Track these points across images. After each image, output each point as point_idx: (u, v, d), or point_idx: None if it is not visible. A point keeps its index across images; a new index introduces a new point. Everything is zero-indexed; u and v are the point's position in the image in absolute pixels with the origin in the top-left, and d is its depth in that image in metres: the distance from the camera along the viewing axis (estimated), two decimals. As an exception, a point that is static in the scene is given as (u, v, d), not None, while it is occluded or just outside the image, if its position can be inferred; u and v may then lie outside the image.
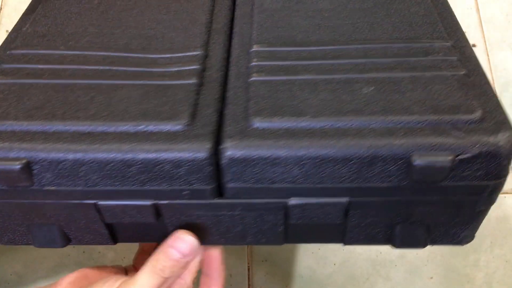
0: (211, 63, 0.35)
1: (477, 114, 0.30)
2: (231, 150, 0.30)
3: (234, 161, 0.30)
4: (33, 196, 0.32)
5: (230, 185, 0.31)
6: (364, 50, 0.34)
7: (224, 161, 0.30)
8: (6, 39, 0.39)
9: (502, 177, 0.30)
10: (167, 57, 0.35)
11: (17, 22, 0.41)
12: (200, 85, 0.33)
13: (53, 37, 0.37)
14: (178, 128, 0.31)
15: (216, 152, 0.30)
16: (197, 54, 0.35)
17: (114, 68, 0.34)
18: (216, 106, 0.32)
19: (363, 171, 0.29)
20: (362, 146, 0.29)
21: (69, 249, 0.59)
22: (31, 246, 0.37)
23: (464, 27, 0.78)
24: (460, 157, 0.28)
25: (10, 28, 0.76)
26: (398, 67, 0.33)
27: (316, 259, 0.63)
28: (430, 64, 0.33)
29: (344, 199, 0.31)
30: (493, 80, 0.75)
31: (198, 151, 0.30)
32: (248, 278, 0.62)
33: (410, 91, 0.31)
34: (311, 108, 0.30)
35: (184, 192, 0.31)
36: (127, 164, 0.30)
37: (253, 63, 0.34)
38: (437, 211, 0.31)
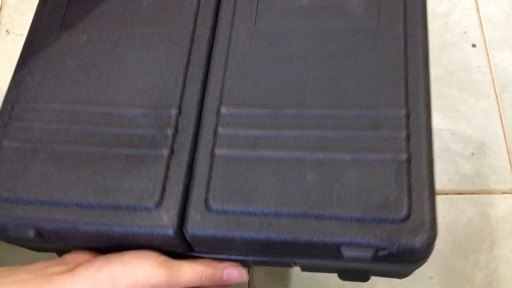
0: (183, 124, 0.39)
1: (403, 213, 0.33)
2: (192, 230, 0.36)
3: (196, 238, 0.36)
4: (48, 245, 0.41)
5: (196, 248, 0.38)
6: (321, 119, 0.37)
7: (187, 237, 0.36)
8: (10, 90, 0.43)
9: (421, 262, 0.35)
10: (145, 114, 0.39)
11: (17, 69, 0.44)
12: (171, 154, 0.38)
13: (48, 89, 0.42)
14: (150, 207, 0.36)
15: (181, 230, 0.36)
16: (172, 114, 0.39)
17: (99, 130, 0.39)
18: (183, 182, 0.37)
19: (302, 251, 0.35)
20: (299, 236, 0.34)
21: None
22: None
23: (464, 27, 0.78)
24: (380, 253, 0.32)
25: (10, 28, 0.77)
26: (345, 146, 0.36)
27: (316, 259, 0.63)
28: (375, 144, 0.35)
29: (291, 261, 0.38)
30: (493, 80, 0.75)
31: (167, 228, 0.36)
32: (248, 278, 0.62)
33: (349, 180, 0.34)
34: (260, 196, 0.35)
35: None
36: (107, 234, 0.36)
37: (219, 131, 0.38)
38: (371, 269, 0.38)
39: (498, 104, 0.74)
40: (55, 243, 0.40)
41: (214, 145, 0.38)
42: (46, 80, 0.42)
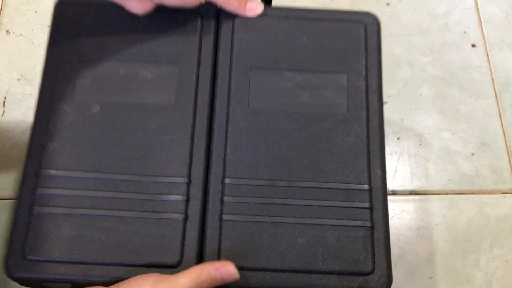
0: (193, 191, 0.45)
1: (369, 268, 0.44)
2: None
3: None
4: None
5: None
6: (306, 190, 0.46)
7: None
8: (30, 155, 0.46)
9: None
10: (160, 183, 0.45)
11: (34, 134, 0.48)
12: (186, 219, 0.44)
13: (71, 156, 0.47)
14: (173, 264, 0.43)
15: None
16: (183, 182, 0.45)
17: (120, 196, 0.45)
18: (198, 242, 0.44)
19: None
20: (292, 286, 0.44)
21: None
22: None
23: (464, 27, 0.78)
24: None
25: (10, 29, 0.77)
26: (326, 214, 0.45)
27: (316, 259, 0.63)
28: (348, 213, 0.45)
29: None
30: (492, 80, 0.75)
31: None
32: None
33: (330, 241, 0.44)
34: (262, 255, 0.44)
35: None
36: None
37: (225, 199, 0.45)
38: None
39: (498, 104, 0.74)
40: None
41: (221, 212, 0.45)
42: (66, 148, 0.46)
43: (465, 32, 0.78)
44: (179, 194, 0.45)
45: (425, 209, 0.67)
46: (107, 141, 0.47)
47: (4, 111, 0.71)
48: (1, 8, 0.78)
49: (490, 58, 0.77)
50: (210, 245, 0.44)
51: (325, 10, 0.54)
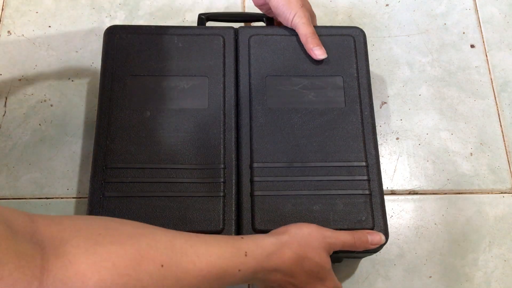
0: (228, 175, 0.57)
1: (370, 226, 0.55)
2: None
3: None
4: None
5: None
6: (317, 169, 0.58)
7: None
8: (97, 154, 0.58)
9: (376, 251, 0.57)
10: (202, 169, 0.57)
11: (97, 137, 0.59)
12: (224, 196, 0.56)
13: (131, 154, 0.58)
14: (217, 231, 0.55)
15: None
16: (219, 168, 0.57)
17: (172, 181, 0.57)
18: (235, 214, 0.56)
19: None
20: None
21: None
22: None
23: (462, 28, 0.79)
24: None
25: (11, 29, 0.77)
26: (334, 186, 0.57)
27: (315, 258, 0.63)
28: (351, 184, 0.57)
29: None
30: (491, 80, 0.76)
31: None
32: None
33: (338, 206, 0.56)
34: (286, 222, 0.54)
35: None
36: None
37: (255, 179, 0.57)
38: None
39: (496, 104, 0.74)
40: None
41: (252, 189, 0.57)
42: (125, 147, 0.58)
43: (464, 33, 0.79)
44: (217, 177, 0.57)
45: (424, 209, 0.67)
46: (157, 139, 0.58)
47: (5, 111, 0.71)
48: (2, 9, 0.79)
49: (489, 58, 0.77)
50: (245, 215, 0.56)
51: (321, 26, 0.66)
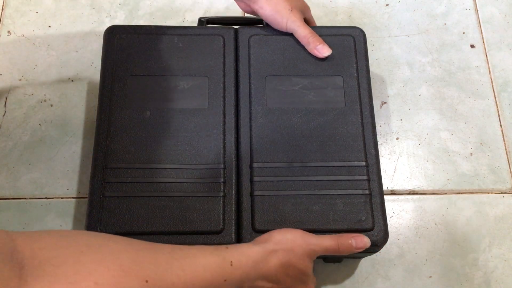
0: (228, 175, 0.57)
1: (370, 226, 0.55)
2: None
3: None
4: None
5: None
6: (317, 169, 0.57)
7: None
8: (97, 154, 0.57)
9: (376, 251, 0.58)
10: (201, 169, 0.57)
11: (97, 136, 0.58)
12: (224, 196, 0.56)
13: (129, 153, 0.58)
14: (216, 231, 0.54)
15: None
16: (219, 168, 0.57)
17: (172, 181, 0.56)
18: (235, 214, 0.56)
19: None
20: None
21: None
22: None
23: (462, 28, 0.79)
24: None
25: (11, 29, 0.77)
26: (334, 186, 0.57)
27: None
28: (351, 184, 0.57)
29: None
30: (491, 80, 0.76)
31: None
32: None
33: (338, 206, 0.56)
34: (287, 221, 0.55)
35: None
36: None
37: (254, 179, 0.57)
38: None
39: (496, 104, 0.74)
40: None
41: (252, 189, 0.56)
42: (125, 147, 0.57)
43: (464, 33, 0.79)
44: (217, 177, 0.57)
45: (424, 209, 0.67)
46: (157, 139, 0.58)
47: (5, 111, 0.71)
48: (2, 9, 0.79)
49: (488, 58, 0.77)
50: (245, 215, 0.55)
51: (321, 26, 0.66)
